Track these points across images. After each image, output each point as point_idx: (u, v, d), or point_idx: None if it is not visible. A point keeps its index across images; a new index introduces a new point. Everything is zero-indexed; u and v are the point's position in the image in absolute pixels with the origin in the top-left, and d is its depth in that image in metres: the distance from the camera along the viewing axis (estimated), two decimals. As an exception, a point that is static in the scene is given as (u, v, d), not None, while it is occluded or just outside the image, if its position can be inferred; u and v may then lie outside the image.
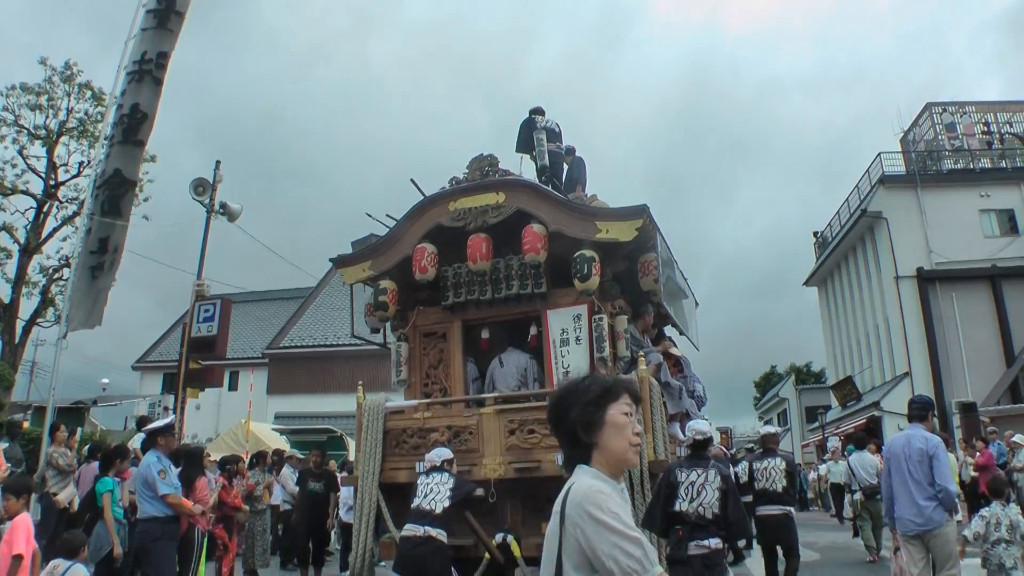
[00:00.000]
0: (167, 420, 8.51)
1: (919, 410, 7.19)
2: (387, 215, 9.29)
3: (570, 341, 8.15)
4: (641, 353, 7.85)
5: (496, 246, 8.36)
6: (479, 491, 7.36)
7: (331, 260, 9.37)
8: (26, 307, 21.96)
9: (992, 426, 21.53)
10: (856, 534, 14.99)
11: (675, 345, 10.59)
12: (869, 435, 28.32)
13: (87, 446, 13.13)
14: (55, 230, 22.04)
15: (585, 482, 2.19)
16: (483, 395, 8.36)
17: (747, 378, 75.22)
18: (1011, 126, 33.78)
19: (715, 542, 6.11)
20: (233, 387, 35.43)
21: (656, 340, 9.98)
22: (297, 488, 13.88)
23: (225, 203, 16.46)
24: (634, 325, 8.82)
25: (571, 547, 2.09)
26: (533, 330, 8.63)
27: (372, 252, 9.00)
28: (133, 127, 13.27)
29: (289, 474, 14.25)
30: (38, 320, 21.84)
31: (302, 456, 16.55)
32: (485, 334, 8.96)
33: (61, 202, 22.10)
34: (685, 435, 9.14)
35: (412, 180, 9.12)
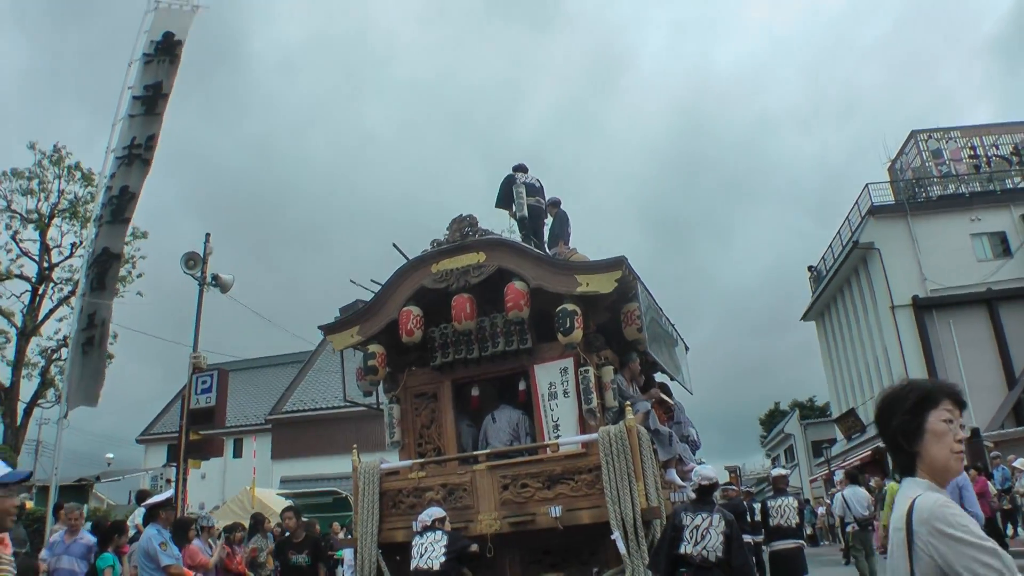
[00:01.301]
0: (166, 494, 8.64)
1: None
2: (372, 280, 9.46)
3: (558, 394, 8.26)
4: (628, 403, 7.96)
5: (480, 305, 8.51)
6: (474, 547, 7.42)
7: (320, 328, 9.50)
8: (26, 389, 22.12)
9: (996, 451, 21.50)
10: (848, 562, 15.65)
11: (667, 392, 10.68)
12: (875, 466, 28.36)
13: (89, 523, 13.16)
14: (51, 311, 22.30)
15: (929, 497, 2.14)
16: (475, 452, 8.45)
17: (753, 416, 74.94)
18: (997, 148, 33.99)
19: None
20: (237, 454, 35.41)
21: (645, 387, 10.07)
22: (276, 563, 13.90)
23: (217, 275, 16.65)
24: (621, 375, 8.93)
25: (925, 565, 2.07)
26: (522, 385, 8.73)
27: (359, 318, 9.15)
28: (121, 207, 13.58)
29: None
30: (39, 401, 21.96)
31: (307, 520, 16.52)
32: (475, 391, 9.07)
33: (56, 283, 22.38)
34: (684, 480, 9.27)
35: (394, 244, 9.31)
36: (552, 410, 8.27)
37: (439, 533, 7.20)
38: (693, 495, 6.97)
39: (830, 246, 36.99)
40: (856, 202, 33.39)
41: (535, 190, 11.27)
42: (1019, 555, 15.13)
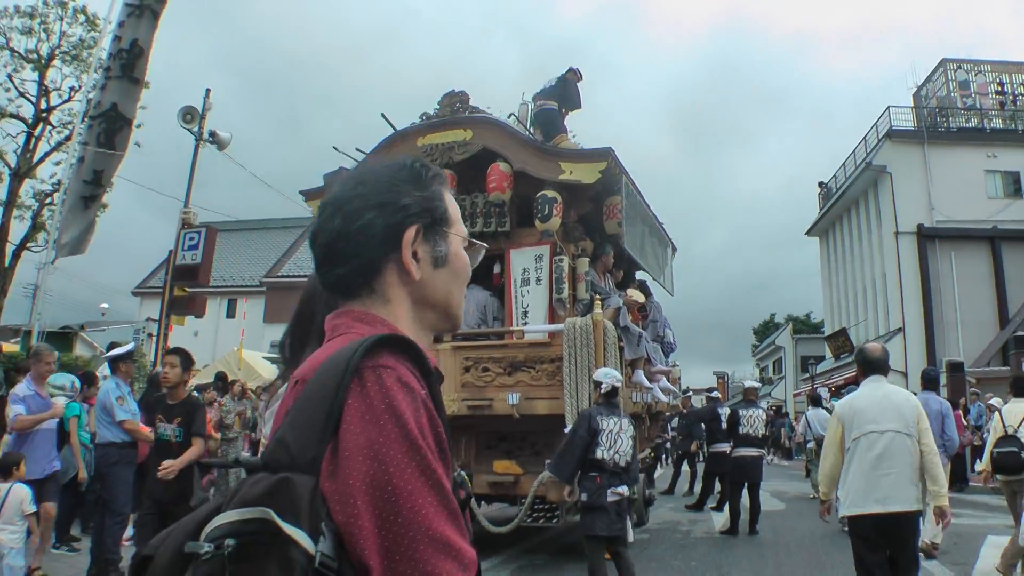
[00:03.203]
0: (127, 347, 8.54)
1: (932, 381, 9.65)
2: (357, 149, 9.26)
3: (531, 281, 8.18)
4: (598, 297, 7.87)
5: (463, 183, 8.35)
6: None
7: (301, 192, 9.36)
8: (17, 230, 21.94)
9: (976, 388, 21.57)
10: (807, 476, 16.62)
11: (645, 290, 10.60)
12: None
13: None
14: (47, 154, 21.88)
15: None
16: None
17: (748, 326, 75.29)
18: (1025, 87, 33.21)
19: (625, 490, 6.17)
20: (231, 315, 35.64)
21: (623, 284, 9.98)
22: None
23: (214, 131, 16.39)
24: (593, 268, 8.82)
25: None
26: (497, 268, 8.64)
27: (341, 185, 8.98)
28: (131, 63, 13.22)
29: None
30: (28, 244, 21.85)
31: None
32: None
33: (54, 126, 21.98)
34: (652, 381, 9.26)
35: (383, 115, 9.09)
36: (523, 296, 8.21)
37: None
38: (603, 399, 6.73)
39: (843, 164, 36.38)
40: (875, 124, 32.65)
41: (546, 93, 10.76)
42: (980, 491, 15.37)
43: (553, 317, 7.99)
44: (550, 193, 7.72)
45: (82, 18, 21.93)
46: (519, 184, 8.02)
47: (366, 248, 1.22)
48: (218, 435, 11.52)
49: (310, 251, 1.28)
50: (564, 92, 10.47)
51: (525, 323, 8.08)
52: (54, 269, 13.99)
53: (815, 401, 16.47)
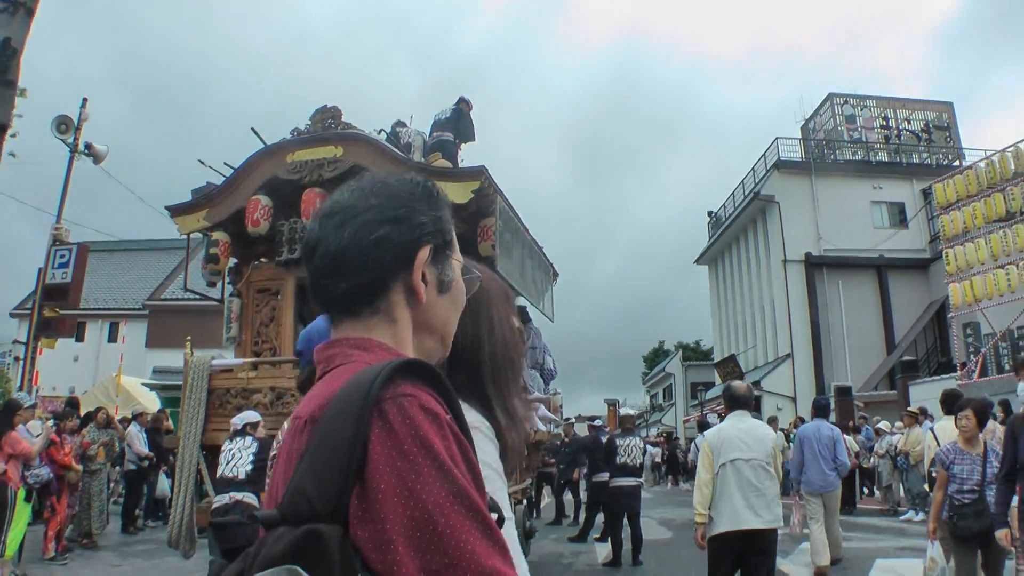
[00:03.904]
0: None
1: (823, 408, 10.04)
2: (225, 163, 8.85)
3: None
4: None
5: (334, 202, 8.01)
6: (284, 456, 7.05)
7: (167, 208, 8.89)
8: None
9: (864, 411, 22.17)
10: None
11: (521, 316, 10.39)
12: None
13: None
14: (-89, 165, 20.71)
15: None
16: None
17: (639, 354, 76.27)
18: (909, 122, 34.60)
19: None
20: (113, 339, 34.22)
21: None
22: (146, 448, 13.39)
23: (90, 144, 15.68)
24: (469, 292, 8.57)
25: None
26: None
27: (207, 201, 8.58)
28: (3, 66, 12.49)
29: (136, 432, 13.63)
30: None
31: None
32: (320, 294, 8.62)
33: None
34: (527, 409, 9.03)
35: (253, 129, 8.69)
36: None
37: (249, 439, 6.77)
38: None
39: (732, 194, 37.28)
40: (764, 155, 33.64)
41: (441, 124, 10.51)
42: (869, 513, 15.65)
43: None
44: (421, 213, 7.46)
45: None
46: (391, 204, 7.75)
47: (377, 263, 1.15)
48: (79, 467, 10.87)
49: (305, 261, 1.19)
50: (459, 124, 10.25)
51: (395, 347, 7.78)
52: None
53: (704, 427, 16.63)
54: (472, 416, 1.55)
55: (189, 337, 8.82)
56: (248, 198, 8.17)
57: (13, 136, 21.67)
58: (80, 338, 34.58)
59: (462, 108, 10.49)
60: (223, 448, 6.90)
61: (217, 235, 8.43)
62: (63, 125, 15.35)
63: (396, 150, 8.49)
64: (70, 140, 15.46)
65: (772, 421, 18.44)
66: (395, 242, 1.15)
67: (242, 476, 6.57)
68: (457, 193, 7.44)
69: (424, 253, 1.17)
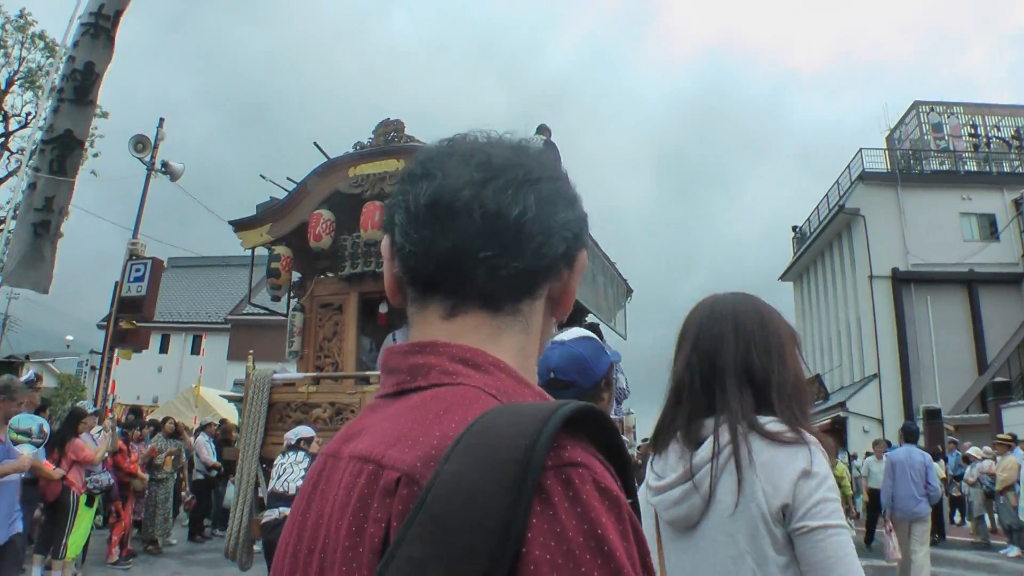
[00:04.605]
0: (28, 375, 8.07)
1: (912, 434, 10.37)
2: (288, 178, 8.82)
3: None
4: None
5: (395, 216, 7.90)
6: (338, 473, 6.91)
7: (230, 223, 8.91)
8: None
9: (954, 435, 21.17)
10: None
11: (596, 333, 10.13)
12: (833, 435, 28.10)
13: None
14: (2, 180, 21.41)
15: None
16: (369, 372, 7.93)
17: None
18: (998, 129, 33.23)
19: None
20: (196, 351, 35.02)
21: (566, 324, 9.48)
22: (213, 458, 13.49)
23: (167, 162, 15.98)
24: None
25: None
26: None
27: (270, 216, 8.59)
28: (86, 87, 12.81)
29: (205, 442, 13.77)
30: (-21, 269, 21.24)
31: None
32: (383, 308, 8.50)
33: (12, 152, 21.50)
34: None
35: (315, 143, 8.65)
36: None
37: (302, 455, 6.71)
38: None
39: (816, 208, 36.25)
40: (848, 167, 32.57)
41: None
42: (959, 545, 14.89)
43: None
44: (485, 227, 7.28)
45: (41, 44, 21.59)
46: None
47: (553, 251, 0.88)
48: (146, 475, 10.96)
49: (442, 221, 0.85)
50: None
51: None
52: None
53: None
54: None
55: (252, 351, 8.82)
56: (310, 212, 8.13)
57: (95, 156, 22.42)
58: (164, 350, 35.60)
59: (551, 142, 10.25)
60: (276, 462, 6.87)
61: (279, 250, 8.43)
62: (140, 144, 15.69)
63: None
64: (147, 159, 15.74)
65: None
66: (573, 232, 0.90)
67: (292, 491, 6.53)
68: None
69: (584, 256, 0.94)
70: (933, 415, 24.17)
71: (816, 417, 32.81)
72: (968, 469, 16.21)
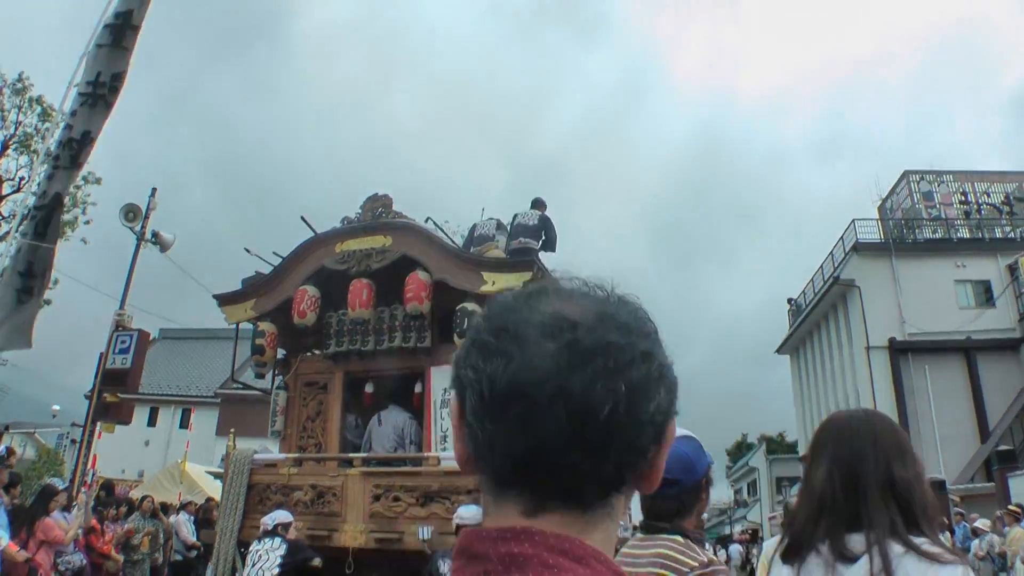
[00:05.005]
0: (-2, 448, 7.79)
1: None
2: (274, 253, 8.66)
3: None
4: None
5: (383, 293, 7.77)
6: (316, 560, 6.56)
7: (214, 296, 8.72)
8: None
9: (960, 507, 20.74)
10: None
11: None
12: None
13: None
14: (-6, 244, 21.23)
15: None
16: (352, 455, 7.66)
17: (722, 446, 74.21)
18: (988, 196, 33.35)
19: None
20: (184, 425, 34.49)
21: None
22: (193, 537, 13.06)
23: (157, 232, 15.85)
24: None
25: None
26: (418, 387, 7.93)
27: (255, 291, 8.42)
28: (79, 151, 12.79)
29: (184, 521, 13.32)
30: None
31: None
32: (369, 388, 8.32)
33: (3, 217, 21.34)
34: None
35: (303, 217, 8.50)
36: (443, 419, 7.50)
37: (278, 540, 6.35)
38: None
39: (811, 280, 36.19)
40: (841, 237, 32.55)
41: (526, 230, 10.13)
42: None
43: (475, 442, 7.25)
44: (470, 306, 7.07)
45: (38, 108, 21.60)
46: (441, 295, 7.41)
47: (644, 439, 0.79)
48: (120, 556, 10.55)
49: (521, 417, 0.74)
50: (547, 233, 9.80)
51: (444, 449, 7.34)
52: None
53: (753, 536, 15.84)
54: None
55: (233, 430, 8.62)
56: (296, 288, 7.95)
57: (87, 223, 22.31)
58: (152, 423, 35.10)
59: (547, 217, 10.04)
60: (251, 548, 6.52)
61: (264, 326, 8.25)
62: (131, 213, 15.57)
63: (446, 239, 8.21)
64: (137, 228, 15.62)
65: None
66: (665, 412, 0.80)
67: (266, 580, 6.15)
68: (509, 283, 7.08)
69: (674, 424, 0.83)
70: (938, 486, 23.71)
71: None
72: (976, 542, 15.81)
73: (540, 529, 0.76)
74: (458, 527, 5.70)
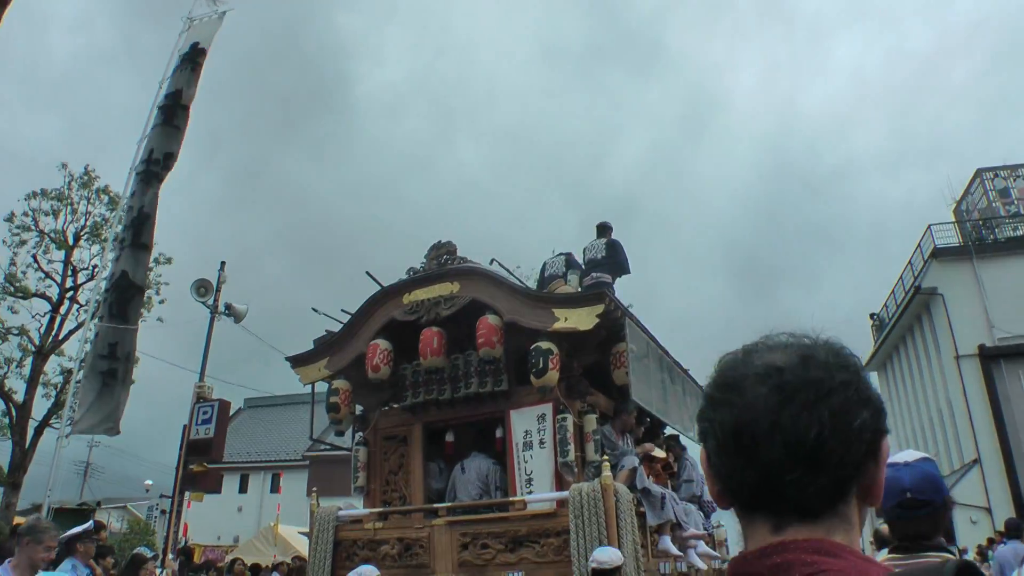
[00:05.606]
0: (85, 525, 7.78)
1: (1014, 529, 9.43)
2: (342, 310, 8.66)
3: (533, 444, 7.33)
4: (605, 458, 6.96)
5: (456, 340, 7.71)
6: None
7: (287, 359, 8.74)
8: (43, 408, 21.63)
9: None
10: None
11: (676, 445, 9.65)
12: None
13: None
14: (72, 332, 21.75)
15: None
16: (437, 505, 7.54)
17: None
18: (1068, 186, 32.11)
19: None
20: (274, 489, 34.97)
21: (644, 439, 9.00)
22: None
23: (230, 304, 16.13)
24: (611, 425, 7.94)
25: None
26: (499, 432, 7.80)
27: (328, 350, 8.43)
28: (138, 230, 13.10)
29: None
30: (50, 421, 21.44)
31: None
32: (450, 437, 8.23)
33: (81, 305, 21.96)
34: (684, 548, 8.19)
35: (368, 272, 8.49)
36: (526, 462, 7.34)
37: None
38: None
39: (892, 291, 35.15)
40: (919, 245, 31.58)
41: (597, 264, 10.06)
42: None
43: (560, 483, 7.08)
44: (544, 345, 6.94)
45: (105, 198, 22.29)
46: (513, 337, 7.30)
47: (856, 456, 0.96)
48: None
49: (747, 451, 0.96)
50: (615, 260, 9.74)
51: (529, 491, 7.18)
52: (67, 443, 13.44)
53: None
54: None
55: (315, 489, 8.60)
56: (367, 343, 7.92)
57: (161, 302, 22.85)
58: (244, 489, 35.70)
59: (614, 241, 9.97)
60: None
61: (337, 384, 8.24)
62: (202, 288, 15.88)
63: (514, 280, 8.11)
64: (210, 302, 15.91)
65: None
66: (871, 429, 0.97)
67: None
68: (582, 320, 6.95)
69: (887, 444, 1.01)
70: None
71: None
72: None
73: (791, 539, 0.93)
74: (594, 571, 5.57)
